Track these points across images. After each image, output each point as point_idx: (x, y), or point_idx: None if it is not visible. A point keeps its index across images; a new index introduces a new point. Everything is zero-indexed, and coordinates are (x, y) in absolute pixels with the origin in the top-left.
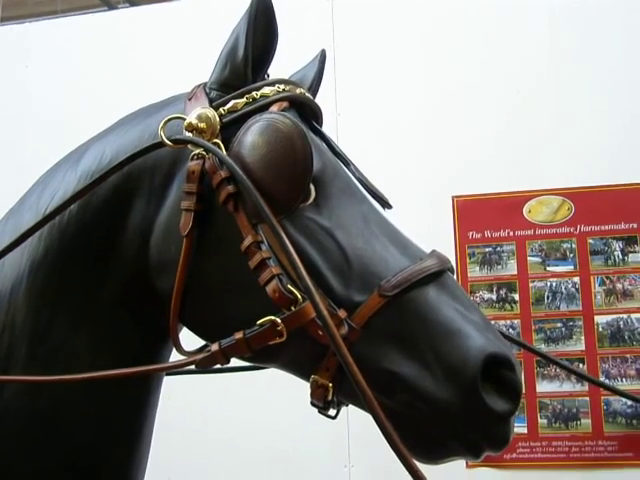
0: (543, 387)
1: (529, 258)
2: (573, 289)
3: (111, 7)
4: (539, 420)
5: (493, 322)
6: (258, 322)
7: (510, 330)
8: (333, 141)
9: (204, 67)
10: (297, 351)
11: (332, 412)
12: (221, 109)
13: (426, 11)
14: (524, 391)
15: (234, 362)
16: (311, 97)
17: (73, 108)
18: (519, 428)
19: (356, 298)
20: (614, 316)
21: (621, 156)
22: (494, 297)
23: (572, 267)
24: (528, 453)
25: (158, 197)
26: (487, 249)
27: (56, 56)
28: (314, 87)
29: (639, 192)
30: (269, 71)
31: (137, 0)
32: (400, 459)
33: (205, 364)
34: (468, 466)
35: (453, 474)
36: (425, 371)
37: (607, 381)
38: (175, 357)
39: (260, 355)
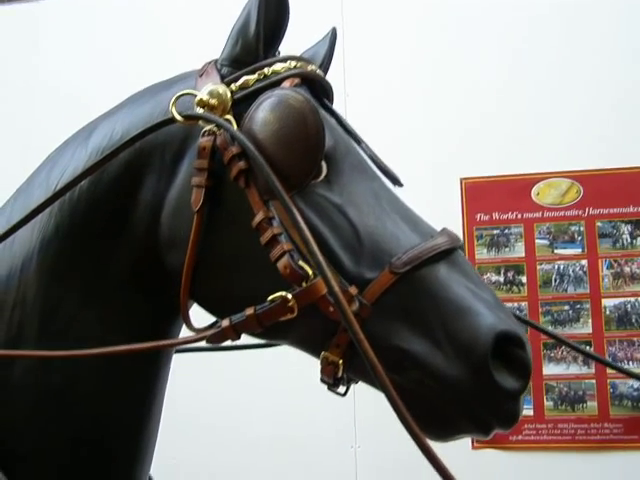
0: (550, 369)
1: (537, 241)
2: (581, 272)
3: None
4: (545, 402)
5: None
6: (269, 298)
7: (517, 312)
8: (344, 119)
9: (217, 44)
10: (308, 328)
11: (341, 389)
12: (232, 85)
13: None
14: None
15: (243, 340)
16: (322, 74)
17: (83, 84)
18: (525, 410)
19: (367, 275)
20: (622, 299)
21: (631, 139)
22: (502, 279)
23: (580, 250)
24: (534, 435)
25: (169, 173)
26: (495, 231)
27: (66, 32)
28: (325, 65)
29: None
30: (279, 49)
31: None
32: (412, 436)
33: (216, 340)
34: (474, 447)
35: (459, 455)
36: (436, 348)
37: None
38: (185, 334)
39: (271, 331)
